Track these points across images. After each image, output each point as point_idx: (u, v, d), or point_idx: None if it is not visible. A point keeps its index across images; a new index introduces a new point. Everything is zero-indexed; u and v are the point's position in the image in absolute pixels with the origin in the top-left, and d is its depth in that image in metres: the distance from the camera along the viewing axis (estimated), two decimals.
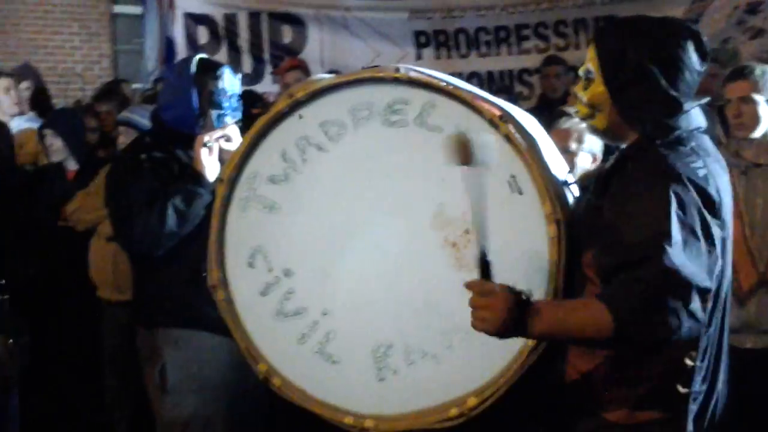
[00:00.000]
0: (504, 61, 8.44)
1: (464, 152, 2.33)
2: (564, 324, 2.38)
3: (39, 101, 7.39)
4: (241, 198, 3.05)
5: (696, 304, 2.30)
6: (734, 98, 4.15)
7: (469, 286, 2.39)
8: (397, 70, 2.91)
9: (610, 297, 2.32)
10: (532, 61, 8.30)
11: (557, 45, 8.34)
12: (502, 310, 2.33)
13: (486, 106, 2.80)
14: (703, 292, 2.33)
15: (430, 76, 2.88)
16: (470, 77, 8.19)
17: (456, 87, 2.84)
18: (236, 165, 3.03)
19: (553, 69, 7.51)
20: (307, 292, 2.97)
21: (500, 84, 8.19)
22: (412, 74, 2.89)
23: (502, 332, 2.36)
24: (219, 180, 3.10)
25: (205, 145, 3.75)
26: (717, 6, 7.78)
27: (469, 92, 2.85)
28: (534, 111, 6.76)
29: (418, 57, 8.43)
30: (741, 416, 3.93)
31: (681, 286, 2.28)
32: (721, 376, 2.65)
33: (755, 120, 4.10)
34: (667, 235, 2.30)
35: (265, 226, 3.03)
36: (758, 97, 4.09)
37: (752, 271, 4.05)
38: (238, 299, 3.05)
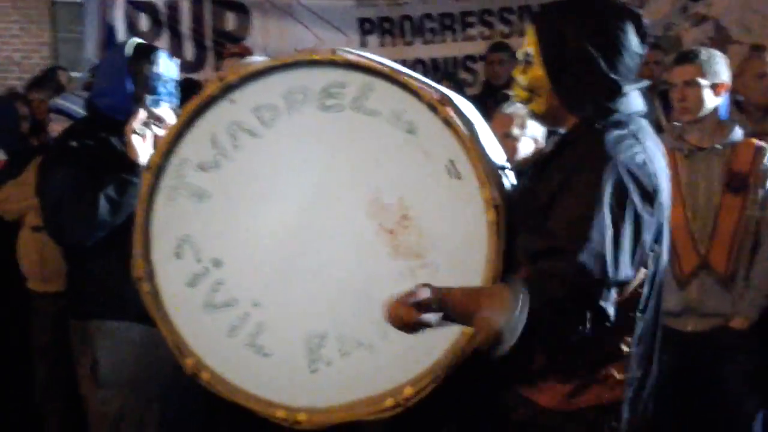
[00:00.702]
0: (449, 48, 8.40)
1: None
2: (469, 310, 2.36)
3: None
4: (169, 186, 2.92)
5: (607, 301, 2.30)
6: (679, 82, 4.13)
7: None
8: (334, 52, 2.82)
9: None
10: (477, 48, 8.26)
11: (502, 32, 8.30)
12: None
13: (425, 89, 2.73)
14: (621, 284, 2.35)
15: (367, 58, 2.81)
16: (415, 64, 8.17)
17: (394, 70, 2.77)
18: (163, 152, 2.91)
19: (498, 56, 7.46)
20: (237, 282, 2.87)
21: (445, 71, 8.16)
22: (350, 57, 2.81)
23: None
24: (146, 168, 2.99)
25: (136, 132, 3.63)
26: None
27: (408, 75, 2.78)
28: (478, 98, 6.76)
29: (363, 44, 8.33)
30: (682, 399, 3.96)
31: (594, 284, 2.28)
32: (655, 361, 2.64)
33: (699, 104, 4.08)
34: (590, 225, 2.28)
35: (193, 215, 2.91)
36: (703, 82, 4.07)
37: (693, 254, 4.06)
38: (164, 291, 2.93)
